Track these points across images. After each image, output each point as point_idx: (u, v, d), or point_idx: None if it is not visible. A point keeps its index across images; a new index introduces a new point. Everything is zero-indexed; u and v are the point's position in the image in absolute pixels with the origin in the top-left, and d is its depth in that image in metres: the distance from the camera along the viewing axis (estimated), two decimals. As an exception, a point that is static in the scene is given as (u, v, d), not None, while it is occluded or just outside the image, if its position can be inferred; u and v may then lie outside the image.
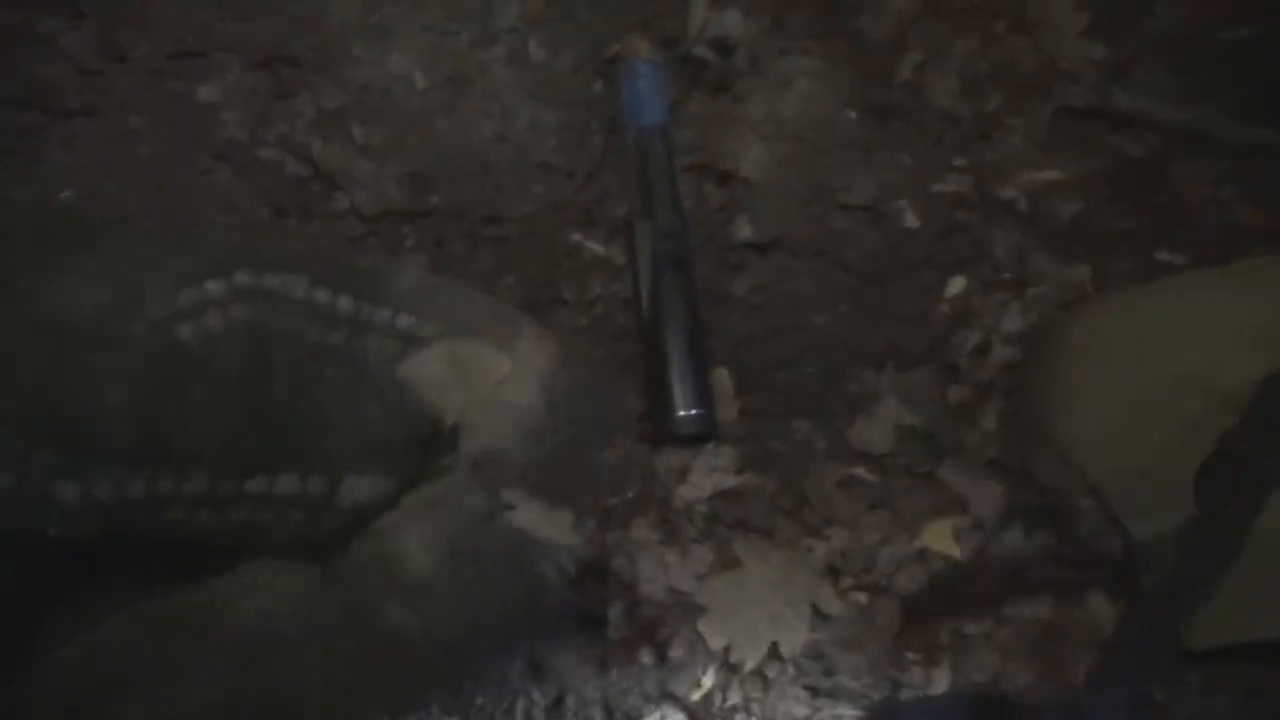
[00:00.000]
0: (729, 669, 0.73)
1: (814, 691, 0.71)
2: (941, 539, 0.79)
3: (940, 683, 0.71)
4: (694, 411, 0.77)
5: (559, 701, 0.70)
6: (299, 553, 0.49)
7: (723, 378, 0.82)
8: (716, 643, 0.73)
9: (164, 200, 0.79)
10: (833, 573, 0.75)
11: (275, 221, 0.80)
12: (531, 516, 0.63)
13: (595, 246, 0.84)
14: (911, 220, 0.90)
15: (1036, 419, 0.80)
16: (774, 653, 0.73)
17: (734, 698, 0.71)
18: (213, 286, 0.43)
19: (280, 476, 0.46)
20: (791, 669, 0.72)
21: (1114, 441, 0.76)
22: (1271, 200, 1.00)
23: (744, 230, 0.86)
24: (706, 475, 0.77)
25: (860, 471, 0.81)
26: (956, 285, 0.90)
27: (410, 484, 0.52)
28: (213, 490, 0.43)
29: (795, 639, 0.73)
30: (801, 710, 0.71)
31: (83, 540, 0.35)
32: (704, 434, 0.78)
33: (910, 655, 0.73)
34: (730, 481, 0.78)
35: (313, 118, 0.83)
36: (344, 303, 0.49)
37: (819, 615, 0.74)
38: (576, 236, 0.84)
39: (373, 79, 0.85)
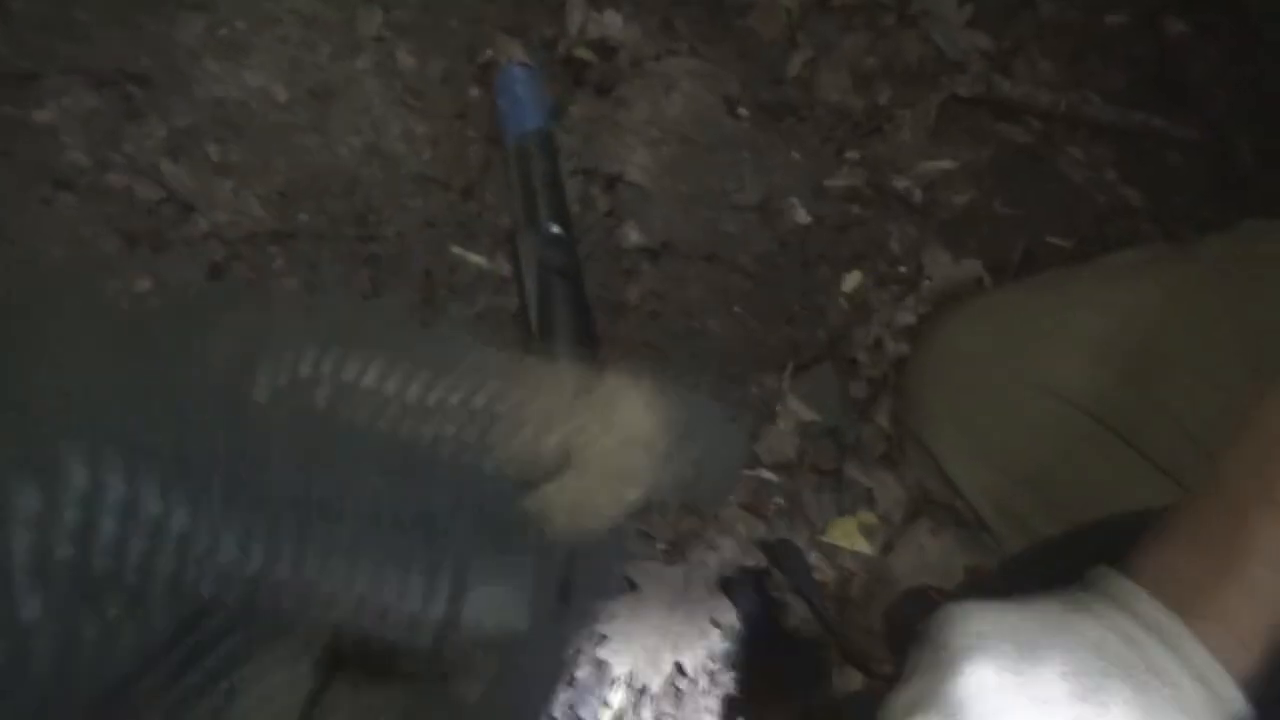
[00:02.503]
0: (636, 691, 0.73)
1: (726, 701, 0.72)
2: (849, 536, 0.81)
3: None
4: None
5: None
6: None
7: (618, 388, 0.82)
8: (619, 669, 0.73)
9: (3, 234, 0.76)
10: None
11: (127, 251, 0.78)
12: None
13: (478, 259, 0.84)
14: (803, 217, 0.93)
15: (908, 420, 0.82)
16: (680, 671, 0.73)
17: (646, 715, 0.71)
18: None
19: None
20: (703, 681, 0.73)
21: (974, 446, 0.78)
22: (1153, 180, 1.05)
23: (633, 235, 0.87)
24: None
25: (765, 474, 0.82)
26: (852, 280, 0.93)
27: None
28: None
29: (697, 656, 0.74)
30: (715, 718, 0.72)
31: (231, 609, 0.32)
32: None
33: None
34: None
35: (163, 137, 0.81)
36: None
37: (718, 627, 0.74)
38: (457, 249, 0.84)
39: (227, 95, 0.83)
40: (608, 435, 0.32)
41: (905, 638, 0.51)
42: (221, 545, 0.30)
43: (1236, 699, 0.46)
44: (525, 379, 0.37)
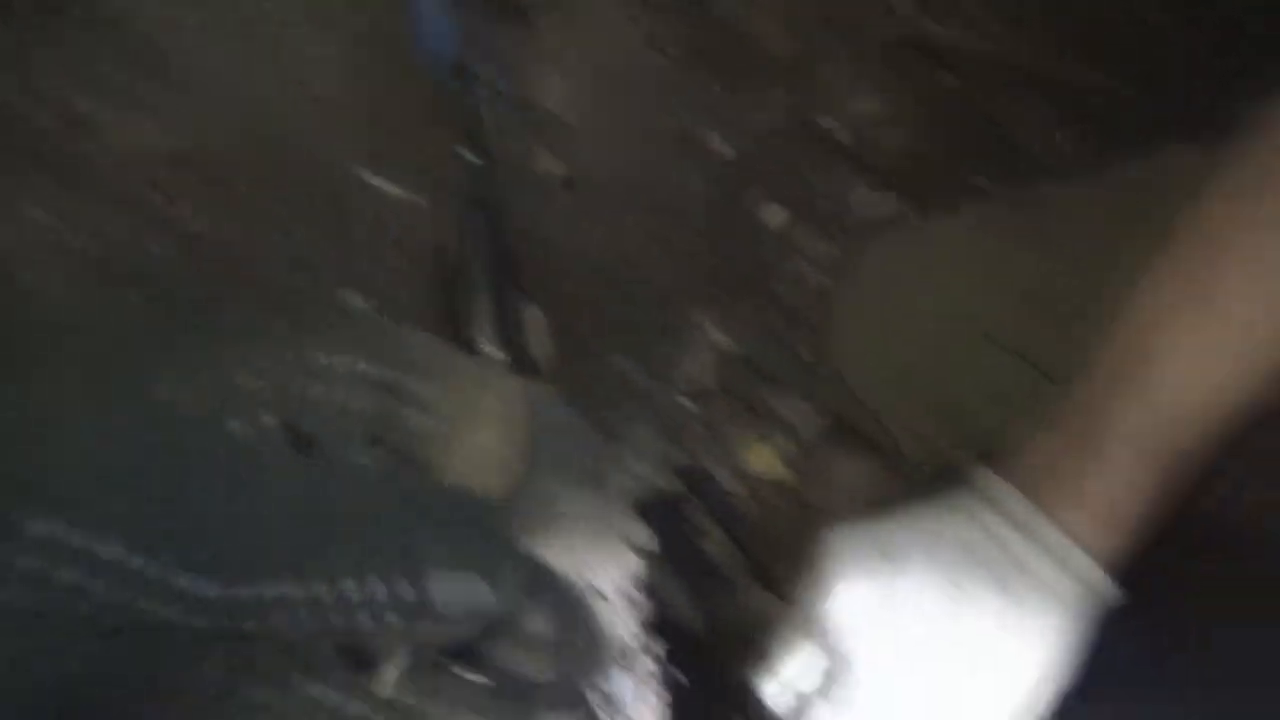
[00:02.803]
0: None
1: (644, 622, 0.72)
2: (768, 463, 0.82)
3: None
4: (506, 347, 0.78)
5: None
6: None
7: (536, 316, 0.82)
8: (541, 590, 0.74)
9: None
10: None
11: (31, 180, 0.77)
12: None
13: (393, 188, 0.84)
14: (727, 151, 0.93)
15: (828, 351, 0.83)
16: (597, 593, 0.74)
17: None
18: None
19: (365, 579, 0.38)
20: (619, 603, 0.73)
21: (894, 378, 0.79)
22: (1077, 123, 1.07)
23: (553, 167, 0.87)
24: (523, 414, 0.78)
25: (684, 402, 0.83)
26: (776, 215, 0.93)
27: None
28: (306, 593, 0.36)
29: (613, 578, 0.74)
30: (632, 640, 0.72)
31: (200, 633, 0.32)
32: (518, 371, 0.78)
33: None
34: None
35: (68, 64, 0.80)
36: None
37: (635, 550, 0.75)
38: (371, 178, 0.83)
39: (134, 21, 0.82)
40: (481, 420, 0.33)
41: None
42: (179, 575, 0.30)
43: (1102, 582, 0.47)
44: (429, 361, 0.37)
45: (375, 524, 0.31)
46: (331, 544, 0.29)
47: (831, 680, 0.48)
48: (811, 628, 0.49)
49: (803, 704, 0.51)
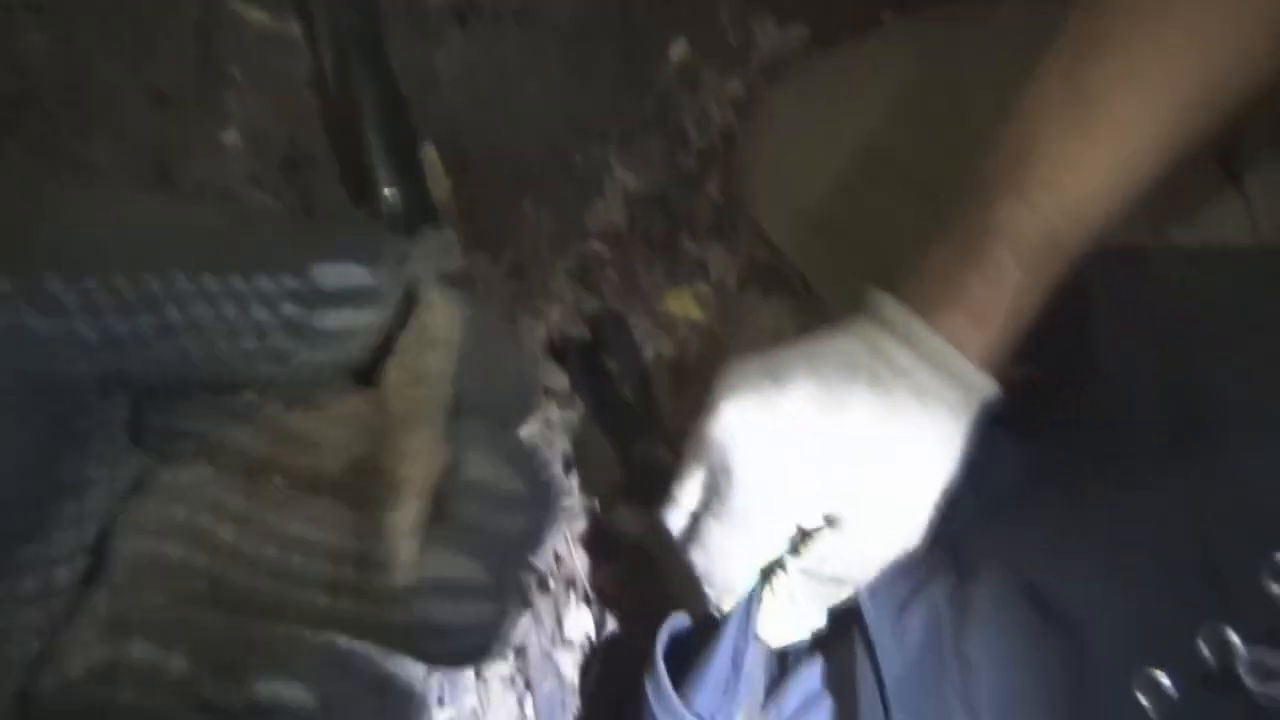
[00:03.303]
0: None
1: (566, 465, 0.71)
2: (684, 305, 0.81)
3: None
4: (401, 188, 0.72)
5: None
6: None
7: (431, 154, 0.77)
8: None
9: None
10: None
11: None
12: None
13: (260, 16, 0.76)
14: (628, -18, 0.88)
15: (736, 190, 0.82)
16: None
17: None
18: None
19: None
20: (538, 446, 0.71)
21: (796, 211, 0.78)
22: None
23: (441, -4, 0.81)
24: (425, 260, 0.74)
25: (595, 245, 0.80)
26: (679, 49, 0.89)
27: None
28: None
29: (530, 423, 0.72)
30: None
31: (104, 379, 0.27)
32: (415, 214, 0.74)
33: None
34: (454, 265, 0.74)
35: None
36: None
37: (551, 396, 0.73)
38: (235, 4, 0.75)
39: None
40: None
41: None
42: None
43: (978, 380, 0.48)
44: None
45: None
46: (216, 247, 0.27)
47: (714, 494, 0.49)
48: (700, 450, 0.49)
49: (692, 523, 0.51)
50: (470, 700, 0.63)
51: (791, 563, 0.49)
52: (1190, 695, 0.41)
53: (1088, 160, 0.48)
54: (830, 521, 0.47)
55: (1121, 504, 0.48)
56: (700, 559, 0.50)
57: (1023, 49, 0.76)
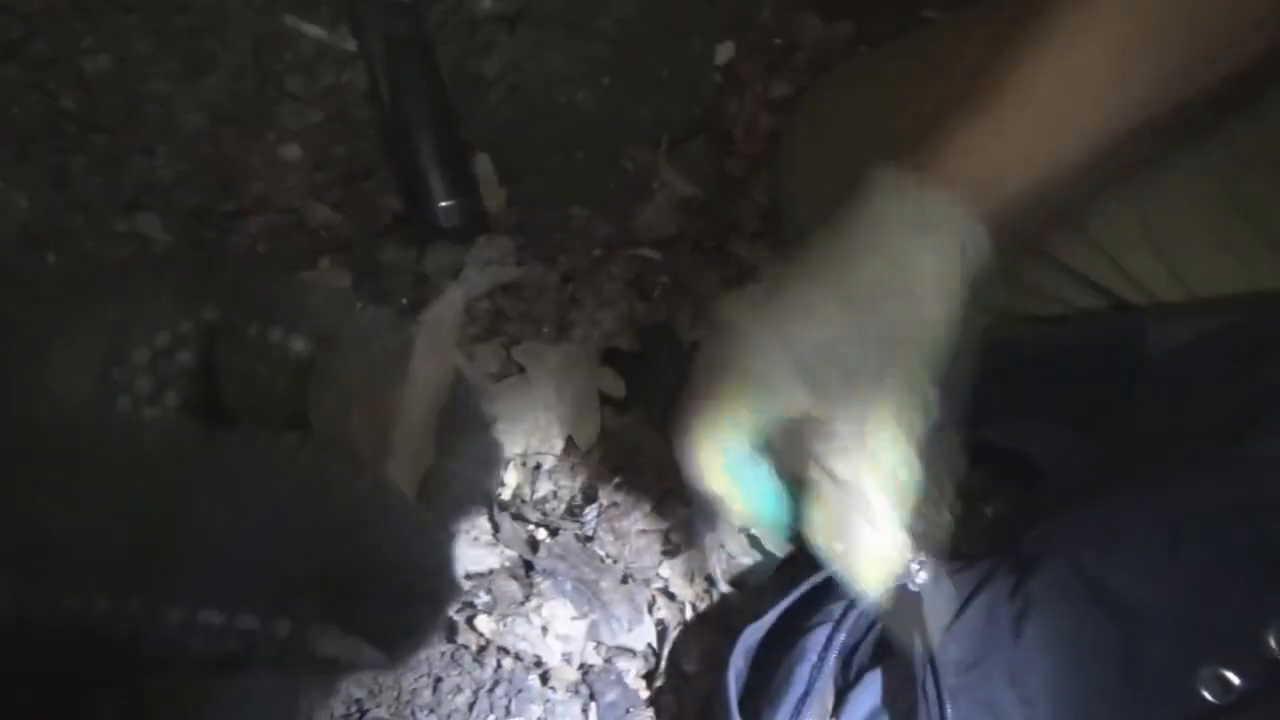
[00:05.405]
0: (531, 469, 0.74)
1: (619, 469, 0.74)
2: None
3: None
4: (456, 200, 0.76)
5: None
6: None
7: (485, 164, 0.80)
8: (512, 449, 0.74)
9: None
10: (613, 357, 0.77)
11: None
12: None
13: (316, 30, 0.80)
14: (675, -13, 0.91)
15: (781, 196, 0.84)
16: (572, 444, 0.75)
17: (543, 488, 0.73)
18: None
19: None
20: (596, 453, 0.75)
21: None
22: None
23: (486, 2, 0.84)
24: (482, 270, 0.77)
25: (646, 252, 0.83)
26: (725, 51, 0.92)
27: None
28: None
29: (587, 430, 0.76)
30: (611, 487, 0.74)
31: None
32: (470, 224, 0.77)
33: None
34: (509, 275, 0.78)
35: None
36: None
37: (607, 403, 0.76)
38: (291, 20, 0.79)
39: None
40: None
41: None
42: None
43: (965, 231, 0.50)
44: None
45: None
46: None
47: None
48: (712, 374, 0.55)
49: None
50: (536, 710, 0.67)
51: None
52: (1257, 687, 0.43)
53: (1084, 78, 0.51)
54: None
55: (1181, 497, 0.51)
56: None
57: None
